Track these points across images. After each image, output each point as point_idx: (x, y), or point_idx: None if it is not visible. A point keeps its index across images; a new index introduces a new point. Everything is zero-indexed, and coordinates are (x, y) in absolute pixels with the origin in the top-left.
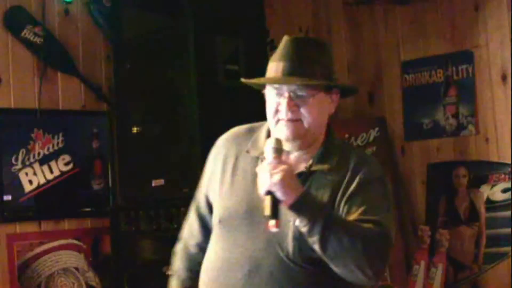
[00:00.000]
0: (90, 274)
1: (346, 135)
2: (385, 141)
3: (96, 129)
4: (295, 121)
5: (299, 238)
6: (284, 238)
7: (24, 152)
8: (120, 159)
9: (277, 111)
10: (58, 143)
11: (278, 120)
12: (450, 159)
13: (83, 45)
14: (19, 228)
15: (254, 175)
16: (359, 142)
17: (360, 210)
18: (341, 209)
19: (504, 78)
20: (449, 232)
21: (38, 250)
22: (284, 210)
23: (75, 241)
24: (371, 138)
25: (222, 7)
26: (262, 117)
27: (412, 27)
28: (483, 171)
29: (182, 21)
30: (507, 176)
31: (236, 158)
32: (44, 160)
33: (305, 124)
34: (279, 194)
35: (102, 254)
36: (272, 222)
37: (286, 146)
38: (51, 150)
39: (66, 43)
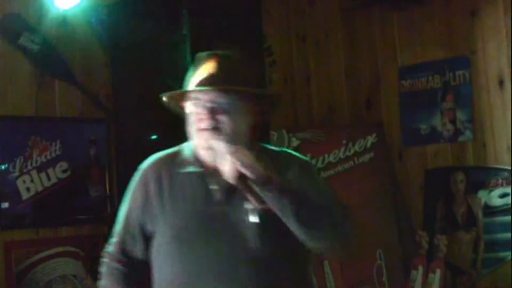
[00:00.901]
0: (88, 281)
1: (344, 141)
2: (383, 146)
3: (94, 136)
4: (214, 129)
5: (260, 232)
6: (245, 238)
7: (22, 159)
8: (118, 166)
9: (197, 121)
10: (55, 150)
11: (199, 130)
12: (447, 164)
13: (80, 53)
14: (17, 235)
15: (195, 189)
16: (356, 148)
17: (318, 188)
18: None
19: (501, 83)
20: (447, 237)
21: (36, 257)
22: (233, 207)
23: (73, 249)
24: (369, 144)
25: (219, 14)
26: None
27: (409, 33)
28: (481, 177)
29: (179, 28)
30: (504, 181)
31: (171, 179)
32: (42, 168)
33: (226, 131)
34: (250, 173)
35: (100, 261)
36: (254, 207)
37: (211, 155)
38: (48, 157)
39: (63, 50)
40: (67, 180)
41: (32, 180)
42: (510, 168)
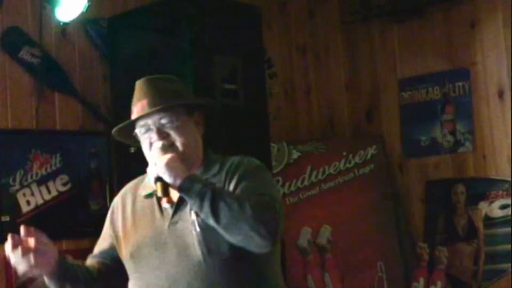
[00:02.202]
0: None
1: (344, 153)
2: (383, 158)
3: (94, 149)
4: (170, 147)
5: (205, 242)
6: (191, 247)
7: (22, 172)
8: (118, 179)
9: (151, 144)
10: (55, 163)
11: (154, 151)
12: (448, 176)
13: (80, 65)
14: None
15: (151, 211)
16: (357, 160)
17: (245, 190)
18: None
19: (501, 95)
20: (448, 249)
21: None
22: (185, 222)
23: None
24: (369, 156)
25: (220, 26)
26: (260, 135)
27: (408, 45)
28: (481, 188)
29: (180, 40)
30: (505, 193)
31: (133, 203)
32: (42, 181)
33: (180, 147)
34: (167, 178)
35: None
36: (164, 200)
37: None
38: (48, 170)
39: (63, 63)
40: (67, 193)
41: (32, 194)
42: (510, 179)
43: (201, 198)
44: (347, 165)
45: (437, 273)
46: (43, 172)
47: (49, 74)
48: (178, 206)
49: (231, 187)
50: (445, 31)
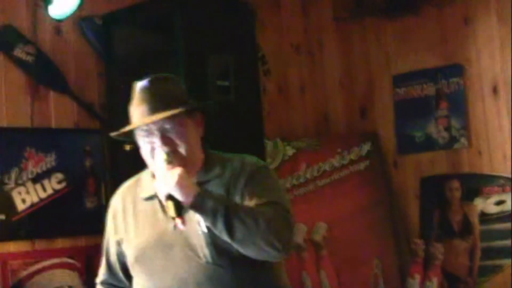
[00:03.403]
0: None
1: (339, 150)
2: (378, 155)
3: (89, 147)
4: (173, 152)
5: (213, 242)
6: (198, 248)
7: (17, 170)
8: (113, 177)
9: (153, 149)
10: (51, 162)
11: (157, 156)
12: (443, 172)
13: (75, 63)
14: (12, 247)
15: (153, 212)
16: (352, 156)
17: (255, 197)
18: (237, 200)
19: (495, 91)
20: (443, 245)
21: (32, 269)
22: (190, 222)
23: (69, 260)
24: (364, 152)
25: (213, 23)
26: (254, 132)
27: (402, 41)
28: (476, 184)
29: (173, 37)
30: (500, 189)
31: (134, 206)
32: (37, 179)
33: (183, 152)
34: (178, 196)
35: (96, 273)
36: (178, 221)
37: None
38: (44, 168)
39: (58, 61)
40: (62, 191)
41: (27, 192)
42: (505, 175)
43: (214, 215)
44: (342, 161)
45: (433, 269)
46: (38, 170)
47: (44, 72)
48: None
49: (238, 192)
50: (439, 27)
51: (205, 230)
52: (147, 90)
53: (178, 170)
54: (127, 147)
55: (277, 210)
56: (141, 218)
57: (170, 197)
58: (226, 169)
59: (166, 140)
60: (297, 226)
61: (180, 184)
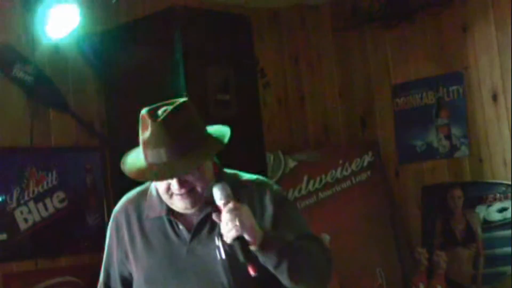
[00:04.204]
0: None
1: (340, 161)
2: (379, 165)
3: (89, 164)
4: (189, 192)
5: (230, 269)
6: (213, 274)
7: (19, 190)
8: (114, 193)
9: (169, 187)
10: (52, 180)
11: (172, 194)
12: (444, 180)
13: (74, 82)
14: (15, 267)
15: (163, 233)
16: (353, 167)
17: (290, 229)
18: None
19: (495, 98)
20: (447, 253)
21: None
22: (203, 246)
23: (73, 278)
24: (365, 163)
25: (211, 37)
26: (255, 145)
27: (401, 51)
28: (478, 192)
29: (172, 52)
30: (502, 196)
31: (140, 222)
32: (39, 198)
33: (199, 190)
34: (247, 236)
35: None
36: (249, 266)
37: (186, 211)
38: (45, 187)
39: (57, 80)
40: (64, 209)
41: (29, 211)
42: (507, 182)
43: (279, 256)
44: (344, 173)
45: (437, 278)
46: (40, 189)
47: (43, 91)
48: (196, 229)
49: (268, 213)
50: (437, 36)
51: (223, 257)
52: (163, 128)
53: (244, 208)
54: None
55: (319, 246)
56: (150, 237)
57: (237, 238)
58: (247, 196)
59: (183, 184)
60: None
61: (250, 223)
